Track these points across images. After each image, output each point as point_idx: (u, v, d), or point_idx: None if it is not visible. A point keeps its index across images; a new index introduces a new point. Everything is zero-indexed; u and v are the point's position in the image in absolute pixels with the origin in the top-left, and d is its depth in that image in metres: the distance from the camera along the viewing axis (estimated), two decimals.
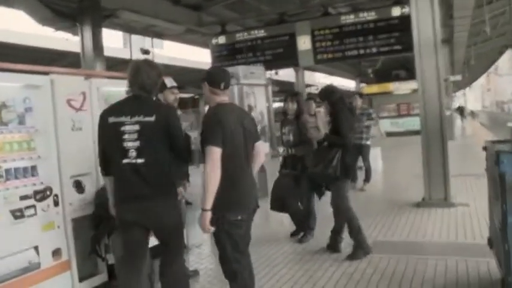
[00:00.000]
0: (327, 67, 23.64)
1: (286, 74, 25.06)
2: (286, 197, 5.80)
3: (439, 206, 6.85)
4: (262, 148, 3.62)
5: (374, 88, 27.11)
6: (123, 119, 3.28)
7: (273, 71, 22.87)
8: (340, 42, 11.81)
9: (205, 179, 3.14)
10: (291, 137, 5.79)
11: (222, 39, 13.62)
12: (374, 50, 11.50)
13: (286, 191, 5.79)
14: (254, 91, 9.08)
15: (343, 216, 5.05)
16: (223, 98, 3.45)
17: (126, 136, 3.25)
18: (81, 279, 4.32)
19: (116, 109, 3.44)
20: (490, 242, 4.03)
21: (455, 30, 15.85)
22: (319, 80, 34.54)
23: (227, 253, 3.34)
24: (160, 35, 14.54)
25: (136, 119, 3.27)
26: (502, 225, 3.26)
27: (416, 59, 7.16)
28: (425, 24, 7.05)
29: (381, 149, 12.50)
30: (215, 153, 3.15)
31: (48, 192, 4.07)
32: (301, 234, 5.81)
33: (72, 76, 4.49)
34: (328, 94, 5.20)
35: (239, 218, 3.27)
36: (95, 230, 4.27)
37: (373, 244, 5.12)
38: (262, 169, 9.30)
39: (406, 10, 10.46)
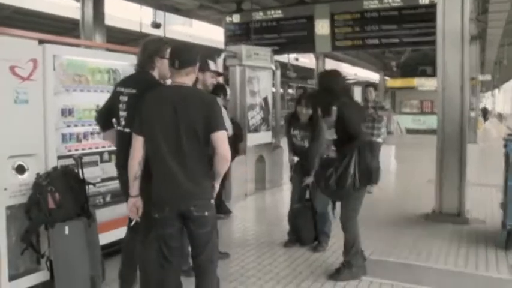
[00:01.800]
0: (350, 57, 22.60)
1: (312, 62, 24.07)
2: (303, 230, 5.12)
3: (451, 221, 6.02)
4: (221, 142, 2.90)
5: (397, 82, 26.04)
6: (122, 89, 3.48)
7: (293, 56, 22.12)
8: (360, 29, 10.99)
9: None
10: (306, 143, 5.02)
11: (236, 18, 12.95)
12: (397, 40, 10.63)
13: (305, 225, 5.08)
14: (258, 74, 8.32)
15: (350, 231, 4.22)
16: (177, 79, 3.01)
17: (120, 105, 3.44)
18: (13, 277, 3.68)
19: (122, 80, 3.74)
20: (502, 205, 5.16)
21: (489, 26, 14.72)
22: (344, 70, 33.35)
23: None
24: (172, 9, 13.83)
25: (127, 90, 3.43)
26: (505, 187, 5.03)
27: (438, 52, 6.29)
28: (452, 14, 6.16)
29: (395, 147, 11.67)
30: (134, 139, 3.03)
31: None
32: (315, 242, 5.08)
33: (19, 39, 3.79)
34: (325, 80, 4.31)
35: (156, 215, 2.99)
36: (29, 221, 3.60)
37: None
38: (261, 159, 8.62)
39: None
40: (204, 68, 4.30)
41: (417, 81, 25.30)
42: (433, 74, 26.39)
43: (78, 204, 3.64)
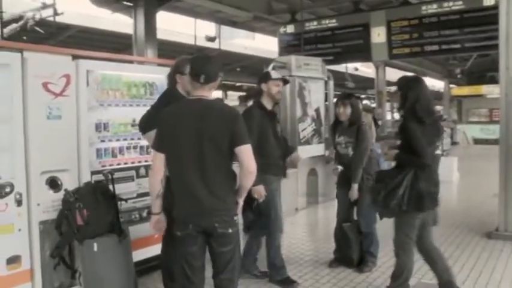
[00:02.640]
0: (412, 65, 21.74)
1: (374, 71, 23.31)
2: (349, 250, 4.77)
3: None
4: (245, 155, 2.80)
5: (464, 90, 24.77)
6: None
7: (352, 66, 21.61)
8: (419, 36, 10.42)
9: None
10: (350, 151, 4.66)
11: (290, 28, 12.75)
12: (458, 45, 10.01)
13: (351, 244, 4.73)
14: (309, 85, 8.08)
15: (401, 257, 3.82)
16: (199, 93, 2.88)
17: None
18: None
19: None
20: None
21: None
22: None
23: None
24: (228, 21, 13.88)
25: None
26: None
27: (501, 55, 5.80)
28: None
29: (461, 158, 10.95)
30: (155, 156, 2.95)
31: (7, 189, 3.45)
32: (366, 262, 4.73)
33: (52, 55, 3.82)
34: (403, 85, 3.84)
35: (178, 233, 2.89)
36: (60, 236, 3.57)
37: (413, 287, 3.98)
38: (314, 173, 8.33)
39: None
40: (267, 78, 4.30)
41: (485, 89, 23.97)
42: None
43: (108, 220, 3.57)
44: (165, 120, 2.93)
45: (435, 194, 3.77)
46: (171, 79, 3.76)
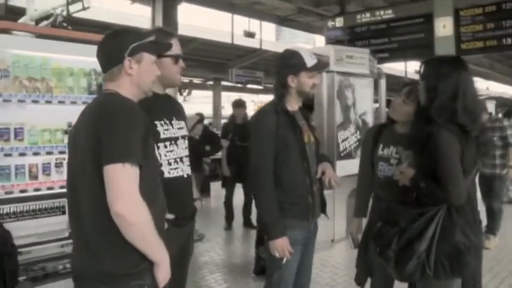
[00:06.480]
0: (481, 67, 19.36)
1: None
2: None
3: None
4: (112, 183, 1.63)
5: None
6: None
7: (413, 69, 19.60)
8: (496, 26, 8.50)
9: None
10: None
11: (339, 22, 11.14)
12: None
13: None
14: (353, 84, 6.43)
15: None
16: (107, 86, 1.90)
17: None
18: None
19: None
20: None
21: None
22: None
23: None
24: (267, 16, 12.43)
25: None
26: None
27: None
28: None
29: None
30: None
31: None
32: None
33: None
34: (431, 71, 2.38)
35: None
36: None
37: None
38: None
39: None
40: (298, 67, 2.67)
41: None
42: None
43: None
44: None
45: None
46: None
